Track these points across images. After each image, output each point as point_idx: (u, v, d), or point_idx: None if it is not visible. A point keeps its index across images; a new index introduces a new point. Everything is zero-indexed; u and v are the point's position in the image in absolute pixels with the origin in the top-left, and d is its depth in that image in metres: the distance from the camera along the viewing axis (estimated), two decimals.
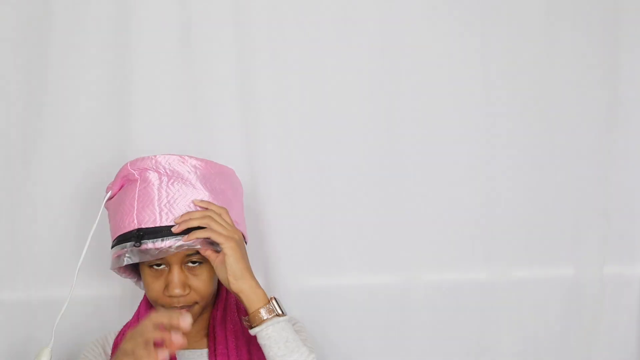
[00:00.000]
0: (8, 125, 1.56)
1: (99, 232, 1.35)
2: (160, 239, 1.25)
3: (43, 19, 1.55)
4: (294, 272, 1.58)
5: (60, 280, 1.55)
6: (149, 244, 1.25)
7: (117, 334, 1.39)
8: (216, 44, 1.58)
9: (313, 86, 1.60)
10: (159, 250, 1.25)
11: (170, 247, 1.24)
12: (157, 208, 1.27)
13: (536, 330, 1.65)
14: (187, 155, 1.32)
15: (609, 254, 1.65)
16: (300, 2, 1.59)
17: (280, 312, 1.25)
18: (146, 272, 1.31)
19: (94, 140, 1.58)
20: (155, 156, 1.30)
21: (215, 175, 1.33)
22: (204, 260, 1.30)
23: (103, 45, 1.56)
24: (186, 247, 1.25)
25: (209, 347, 1.34)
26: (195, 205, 1.29)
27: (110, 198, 1.35)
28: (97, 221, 1.33)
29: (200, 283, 1.30)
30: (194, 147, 1.55)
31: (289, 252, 1.59)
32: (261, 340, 1.24)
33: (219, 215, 1.28)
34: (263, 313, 1.24)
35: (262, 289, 1.27)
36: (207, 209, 1.29)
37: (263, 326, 1.24)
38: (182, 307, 1.30)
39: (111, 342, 1.38)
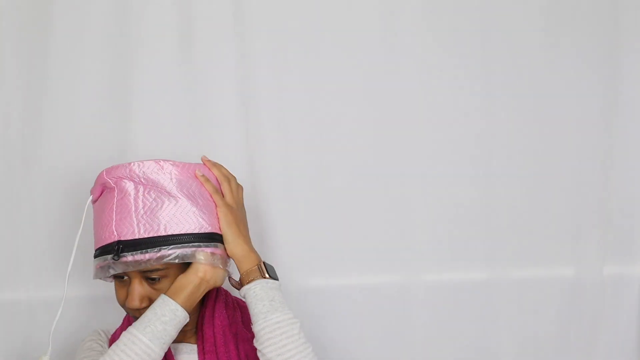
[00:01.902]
0: (8, 125, 1.57)
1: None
2: (139, 251, 1.25)
3: (43, 19, 1.55)
4: (294, 272, 1.58)
5: (60, 280, 1.52)
6: (128, 257, 1.25)
7: (112, 332, 1.40)
8: (216, 45, 1.58)
9: (313, 86, 1.60)
10: (139, 262, 1.25)
11: (150, 259, 1.25)
12: (134, 220, 1.27)
13: (536, 330, 1.65)
14: (163, 160, 1.31)
15: (609, 254, 1.65)
16: (301, 3, 1.59)
17: (267, 275, 1.28)
18: (114, 280, 1.33)
19: (94, 140, 1.58)
20: (129, 164, 1.30)
21: (192, 179, 1.33)
22: (166, 276, 1.29)
23: (103, 46, 1.56)
24: (165, 260, 1.25)
25: (197, 344, 1.34)
26: (203, 161, 1.37)
27: (93, 202, 1.36)
28: (81, 226, 1.34)
29: None
30: (194, 148, 1.55)
31: (289, 252, 1.59)
32: (247, 299, 1.27)
33: (229, 182, 1.36)
34: (253, 274, 1.28)
35: (255, 254, 1.31)
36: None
37: (251, 285, 1.27)
38: None
39: (109, 336, 1.39)
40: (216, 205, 1.32)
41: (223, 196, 1.34)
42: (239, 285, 1.32)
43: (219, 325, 1.34)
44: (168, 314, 1.24)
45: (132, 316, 1.33)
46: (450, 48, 1.61)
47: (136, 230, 1.27)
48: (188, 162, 1.34)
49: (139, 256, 1.25)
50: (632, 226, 1.66)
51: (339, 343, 1.62)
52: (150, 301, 1.29)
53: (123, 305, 1.32)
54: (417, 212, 1.62)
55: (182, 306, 1.25)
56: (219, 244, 1.30)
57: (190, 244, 1.27)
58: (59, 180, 1.57)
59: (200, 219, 1.29)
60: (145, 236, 1.26)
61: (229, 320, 1.36)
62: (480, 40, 1.61)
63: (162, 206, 1.28)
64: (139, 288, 1.29)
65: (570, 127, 1.63)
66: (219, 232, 1.31)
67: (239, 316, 1.38)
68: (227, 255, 1.31)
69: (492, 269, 1.64)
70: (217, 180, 1.36)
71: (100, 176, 1.33)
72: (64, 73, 1.56)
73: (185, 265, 1.29)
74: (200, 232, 1.28)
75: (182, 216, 1.28)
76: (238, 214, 1.34)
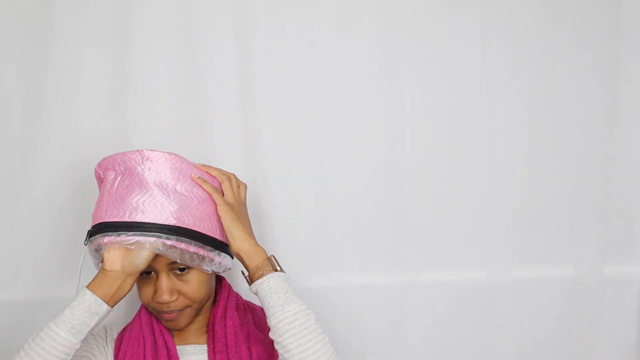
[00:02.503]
0: (8, 126, 1.56)
1: None
2: (101, 234, 1.28)
3: (43, 19, 1.55)
4: (294, 272, 1.57)
5: (60, 280, 1.55)
6: (94, 241, 1.29)
7: (119, 330, 1.40)
8: (216, 45, 1.58)
9: (313, 86, 1.60)
10: (100, 245, 1.28)
11: (108, 242, 1.26)
12: (104, 205, 1.29)
13: (536, 330, 1.65)
14: (149, 150, 1.32)
15: (609, 254, 1.66)
16: (300, 3, 1.59)
17: (279, 268, 1.29)
18: (139, 278, 1.33)
19: (94, 140, 1.58)
20: (115, 155, 1.33)
21: (171, 171, 1.32)
22: (191, 267, 1.30)
23: (103, 45, 1.56)
24: (123, 244, 1.25)
25: (208, 344, 1.35)
26: (198, 167, 1.35)
27: None
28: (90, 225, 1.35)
29: (189, 288, 1.32)
30: (193, 148, 1.55)
31: (289, 252, 1.59)
32: (261, 293, 1.27)
33: (230, 180, 1.36)
34: (263, 268, 1.28)
35: (261, 247, 1.31)
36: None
37: (264, 279, 1.27)
38: (172, 312, 1.31)
39: (114, 334, 1.39)
40: (216, 205, 1.32)
41: (223, 195, 1.34)
42: (249, 281, 1.31)
43: (230, 325, 1.34)
44: (76, 299, 1.25)
45: (159, 311, 1.33)
46: (450, 49, 1.61)
47: (104, 215, 1.29)
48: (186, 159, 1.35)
49: (100, 239, 1.27)
50: (632, 226, 1.66)
51: (339, 343, 1.60)
52: (179, 294, 1.30)
53: (149, 302, 1.33)
54: (417, 212, 1.62)
55: (90, 290, 1.25)
56: (183, 238, 1.28)
57: (152, 234, 1.26)
58: (59, 180, 1.57)
59: (167, 212, 1.28)
60: (109, 220, 1.28)
61: (241, 321, 1.36)
62: (480, 41, 1.61)
63: (131, 194, 1.29)
64: (167, 281, 1.30)
65: (570, 127, 1.63)
66: (188, 227, 1.29)
67: (250, 318, 1.38)
68: (232, 253, 1.31)
69: (492, 269, 1.64)
70: (218, 181, 1.36)
71: (95, 170, 1.37)
72: (64, 73, 1.56)
73: (200, 259, 1.30)
74: (164, 223, 1.27)
75: (148, 206, 1.28)
76: (240, 211, 1.34)
